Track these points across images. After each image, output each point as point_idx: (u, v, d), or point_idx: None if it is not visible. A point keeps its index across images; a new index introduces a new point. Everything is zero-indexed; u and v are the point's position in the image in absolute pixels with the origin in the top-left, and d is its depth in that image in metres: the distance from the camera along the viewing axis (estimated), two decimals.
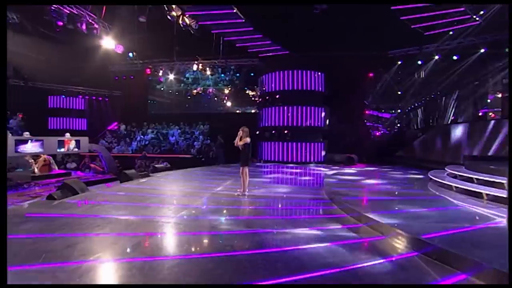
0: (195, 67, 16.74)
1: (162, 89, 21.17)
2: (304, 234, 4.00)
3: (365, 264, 3.00)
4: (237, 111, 20.19)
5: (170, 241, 3.88)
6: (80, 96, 20.60)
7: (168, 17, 12.06)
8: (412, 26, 12.13)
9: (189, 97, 21.59)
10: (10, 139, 9.72)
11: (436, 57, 15.17)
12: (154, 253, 3.32)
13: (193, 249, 3.54)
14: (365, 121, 18.06)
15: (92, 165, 13.37)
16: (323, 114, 14.89)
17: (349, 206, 5.16)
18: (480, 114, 15.10)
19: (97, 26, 13.59)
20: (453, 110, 16.25)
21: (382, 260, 3.10)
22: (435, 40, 13.93)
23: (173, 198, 6.74)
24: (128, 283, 2.54)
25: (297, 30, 12.41)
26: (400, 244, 3.59)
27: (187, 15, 12.44)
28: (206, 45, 16.30)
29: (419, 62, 15.64)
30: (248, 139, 6.59)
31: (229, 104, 20.64)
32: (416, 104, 18.39)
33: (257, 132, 16.13)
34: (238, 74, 18.02)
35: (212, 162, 15.06)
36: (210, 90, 20.97)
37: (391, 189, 7.40)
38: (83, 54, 16.81)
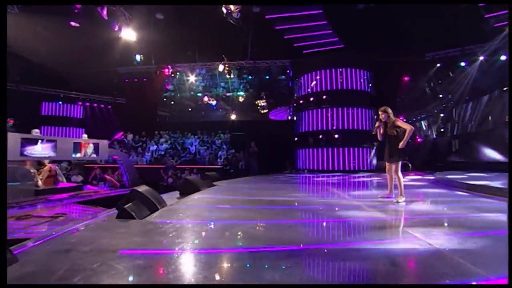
0: (220, 68, 14.92)
1: (165, 99, 19.12)
2: None
3: None
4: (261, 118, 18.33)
5: None
6: (80, 103, 18.05)
7: None
8: None
9: (190, 109, 19.72)
10: (15, 137, 7.19)
11: (481, 58, 14.33)
12: None
13: None
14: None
15: (108, 177, 10.82)
16: (374, 116, 13.29)
17: None
18: None
19: (118, 14, 11.62)
20: None
21: None
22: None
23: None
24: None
25: (363, 22, 11.08)
26: None
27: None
28: (232, 44, 14.74)
29: (462, 64, 14.76)
30: (398, 122, 4.67)
31: (233, 117, 18.75)
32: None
33: (296, 139, 14.30)
34: (267, 76, 16.35)
35: (241, 173, 12.88)
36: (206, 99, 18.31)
37: None
38: (88, 53, 14.55)
